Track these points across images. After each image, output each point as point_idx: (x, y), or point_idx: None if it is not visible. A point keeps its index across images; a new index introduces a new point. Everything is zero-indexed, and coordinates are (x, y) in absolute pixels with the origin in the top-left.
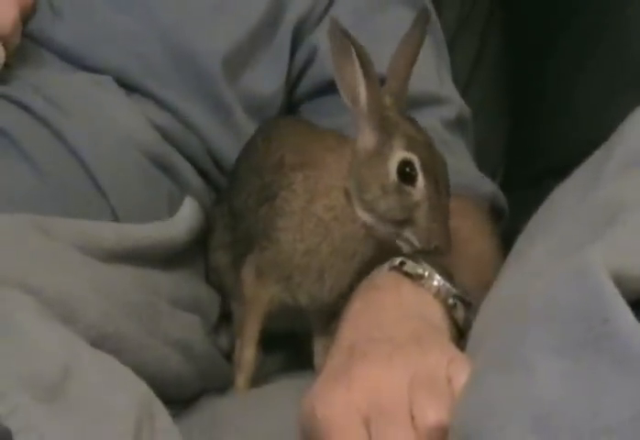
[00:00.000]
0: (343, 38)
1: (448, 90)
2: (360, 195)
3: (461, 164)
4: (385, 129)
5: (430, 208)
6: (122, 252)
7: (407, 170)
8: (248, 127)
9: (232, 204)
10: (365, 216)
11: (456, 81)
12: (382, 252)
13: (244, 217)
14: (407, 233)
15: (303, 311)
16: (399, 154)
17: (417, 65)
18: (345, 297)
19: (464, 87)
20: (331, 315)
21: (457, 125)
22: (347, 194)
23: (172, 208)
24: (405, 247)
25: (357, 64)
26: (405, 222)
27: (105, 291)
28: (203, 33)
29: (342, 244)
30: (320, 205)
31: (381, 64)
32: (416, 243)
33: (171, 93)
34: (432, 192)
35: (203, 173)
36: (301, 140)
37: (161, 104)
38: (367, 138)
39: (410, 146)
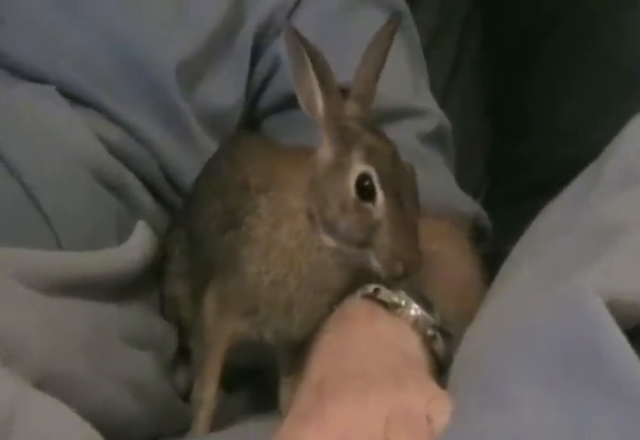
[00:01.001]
0: (297, 43)
1: (426, 100)
2: (321, 215)
3: (440, 181)
4: (344, 141)
5: (392, 227)
6: (68, 284)
7: (365, 184)
8: (205, 142)
9: (191, 229)
10: (327, 240)
11: (433, 90)
12: (357, 283)
13: (204, 243)
14: (370, 256)
15: (268, 346)
16: (357, 167)
17: (391, 74)
18: (315, 332)
19: (442, 97)
20: (299, 351)
21: (435, 138)
22: (310, 217)
23: (122, 233)
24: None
25: (312, 72)
26: (367, 243)
27: (51, 328)
28: (155, 40)
29: (310, 275)
30: (285, 231)
31: (350, 71)
32: (377, 267)
33: (120, 105)
34: (393, 208)
35: (156, 193)
36: (266, 159)
37: (110, 116)
38: (326, 151)
39: (369, 157)
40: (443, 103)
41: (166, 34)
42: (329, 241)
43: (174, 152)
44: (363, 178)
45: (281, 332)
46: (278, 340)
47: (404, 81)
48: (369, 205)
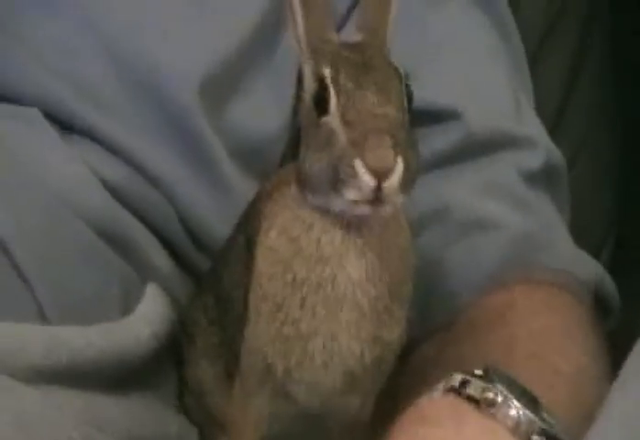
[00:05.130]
0: None
1: (531, 126)
2: (300, 172)
3: (550, 235)
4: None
5: (347, 128)
6: (52, 369)
7: (320, 91)
8: (239, 184)
9: (220, 287)
10: (312, 200)
11: (542, 112)
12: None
13: (232, 300)
14: (345, 187)
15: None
16: (313, 78)
17: (483, 89)
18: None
19: (554, 121)
20: None
21: (543, 178)
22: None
23: (128, 302)
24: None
25: None
26: (336, 180)
27: (27, 428)
28: (170, 46)
29: (320, 284)
30: (275, 231)
31: (436, 84)
32: (347, 200)
33: (125, 134)
34: (348, 104)
35: (174, 252)
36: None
37: (112, 148)
38: (307, 87)
39: (332, 64)
40: (556, 129)
41: (184, 35)
42: (313, 200)
43: (198, 197)
44: (319, 86)
45: (313, 386)
46: (315, 400)
47: (501, 99)
48: (326, 119)
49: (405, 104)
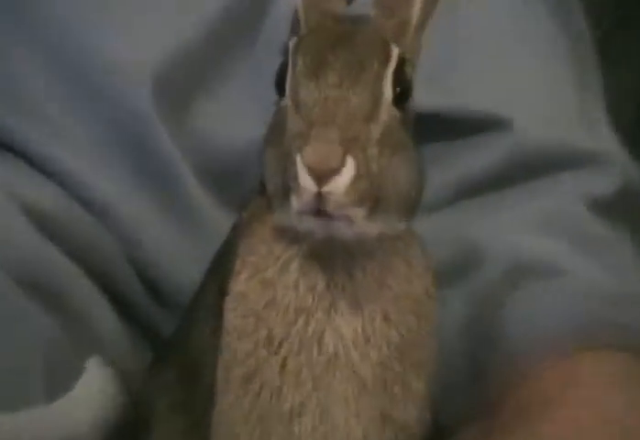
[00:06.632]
0: None
1: (602, 139)
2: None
3: (624, 284)
4: None
5: (294, 112)
6: None
7: (282, 66)
8: (211, 213)
9: (186, 354)
10: (277, 218)
11: (617, 120)
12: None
13: (201, 369)
14: (291, 194)
15: None
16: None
17: (538, 92)
18: None
19: (633, 132)
20: None
21: (617, 206)
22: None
23: (57, 375)
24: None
25: None
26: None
27: None
28: (115, 35)
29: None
30: (247, 272)
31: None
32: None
33: (59, 145)
34: (302, 85)
35: (123, 303)
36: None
37: (42, 166)
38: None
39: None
40: (633, 144)
41: (135, 24)
42: (276, 218)
43: (154, 231)
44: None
45: None
46: None
47: (561, 103)
48: (283, 102)
49: (389, 93)
